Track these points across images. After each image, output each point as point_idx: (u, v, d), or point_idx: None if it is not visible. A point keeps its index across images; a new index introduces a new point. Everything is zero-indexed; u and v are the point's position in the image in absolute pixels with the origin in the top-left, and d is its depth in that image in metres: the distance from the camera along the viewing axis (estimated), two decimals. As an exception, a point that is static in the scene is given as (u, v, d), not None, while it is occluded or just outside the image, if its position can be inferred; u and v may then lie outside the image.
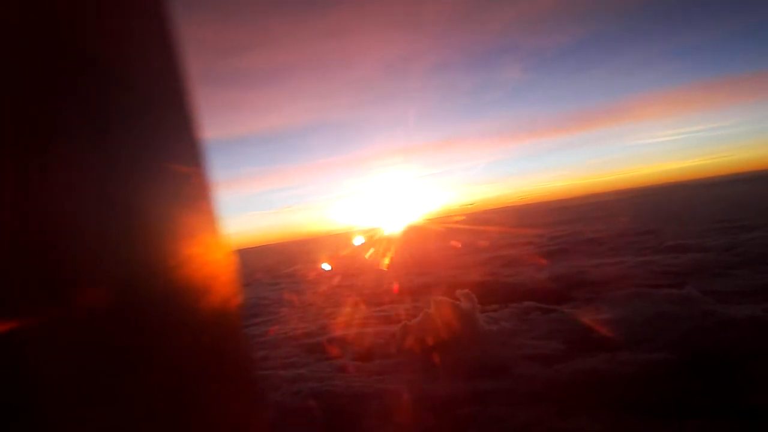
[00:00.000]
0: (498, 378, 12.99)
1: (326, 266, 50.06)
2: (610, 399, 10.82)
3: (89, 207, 0.64)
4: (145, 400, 0.70)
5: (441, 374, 13.72)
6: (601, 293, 21.26)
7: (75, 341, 0.60)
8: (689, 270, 23.88)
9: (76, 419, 0.60)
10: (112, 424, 0.64)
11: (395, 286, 28.72)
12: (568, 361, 13.53)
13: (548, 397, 11.44)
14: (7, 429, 0.54)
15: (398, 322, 18.92)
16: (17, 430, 0.55)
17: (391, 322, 20.21)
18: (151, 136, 0.76)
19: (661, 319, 15.92)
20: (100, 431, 0.63)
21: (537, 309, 19.49)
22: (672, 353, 13.04)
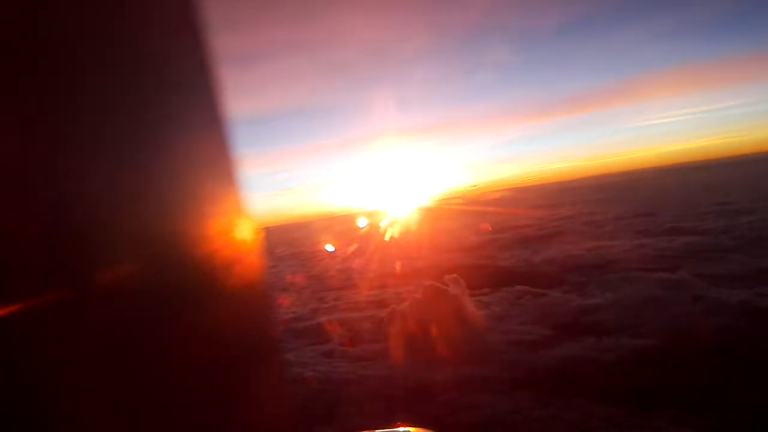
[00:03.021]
0: (482, 364, 12.88)
1: (328, 247, 50.31)
2: (589, 387, 10.72)
3: (114, 188, 0.63)
4: (174, 380, 0.69)
5: (425, 360, 13.63)
6: (594, 277, 21.11)
7: (98, 322, 0.59)
8: (684, 253, 23.67)
9: (98, 400, 0.58)
10: (145, 401, 0.63)
11: (390, 270, 28.63)
12: (553, 347, 13.42)
13: (529, 384, 11.35)
14: (26, 412, 0.53)
15: (388, 306, 18.83)
16: (38, 413, 0.54)
17: (381, 306, 20.12)
18: (175, 116, 0.75)
19: (651, 303, 15.80)
20: (129, 411, 0.61)
21: (528, 293, 19.37)
22: (658, 339, 12.90)
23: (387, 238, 42.09)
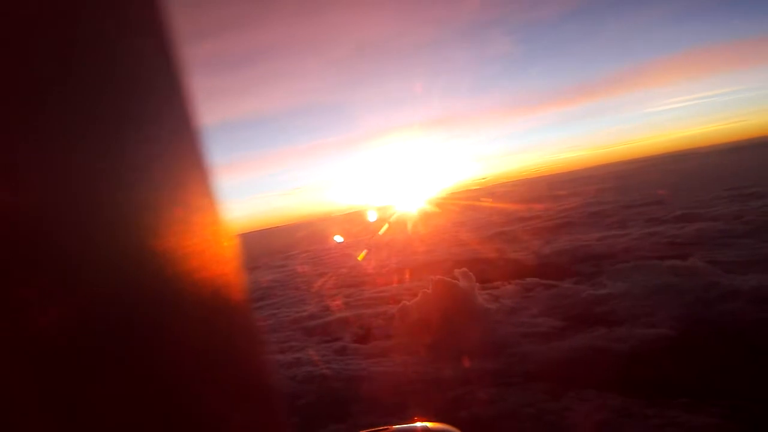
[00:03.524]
0: (493, 357, 12.87)
1: (337, 238, 50.53)
2: (601, 378, 10.67)
3: (78, 200, 0.61)
4: (148, 404, 0.67)
5: (436, 355, 13.63)
6: (605, 267, 20.98)
7: (75, 332, 0.57)
8: (696, 240, 23.46)
9: (79, 409, 0.57)
10: (124, 413, 0.62)
11: (400, 265, 28.66)
12: (564, 339, 13.37)
13: (541, 376, 11.32)
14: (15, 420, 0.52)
15: (399, 302, 18.84)
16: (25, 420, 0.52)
17: (392, 302, 20.14)
18: (145, 124, 0.74)
19: (663, 291, 15.69)
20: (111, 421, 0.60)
21: (539, 285, 19.30)
22: (670, 328, 12.82)
23: (396, 233, 42.08)
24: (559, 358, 12.15)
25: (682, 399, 9.44)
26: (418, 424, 1.82)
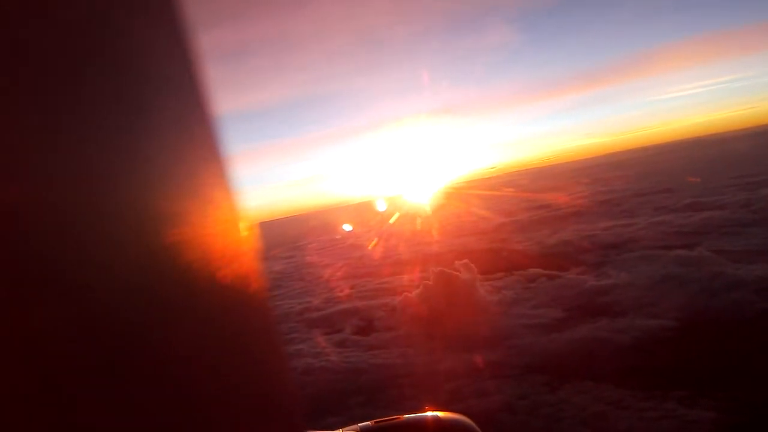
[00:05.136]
0: (492, 349, 12.80)
1: (345, 227, 50.79)
2: (600, 369, 10.59)
3: (92, 193, 0.60)
4: (166, 396, 0.66)
5: (436, 347, 13.60)
6: (611, 257, 20.84)
7: (88, 329, 0.56)
8: (703, 229, 23.21)
9: (91, 407, 0.55)
10: (140, 409, 0.61)
11: (404, 256, 28.63)
12: (565, 330, 13.26)
13: (539, 368, 11.25)
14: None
15: (402, 293, 18.81)
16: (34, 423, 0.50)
17: (394, 293, 20.11)
18: (159, 114, 0.73)
19: (667, 282, 15.54)
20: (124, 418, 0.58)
21: (542, 276, 19.15)
22: (673, 318, 12.68)
23: (405, 223, 42.08)
24: (559, 350, 12.06)
25: (680, 391, 9.32)
26: (429, 413, 1.81)
